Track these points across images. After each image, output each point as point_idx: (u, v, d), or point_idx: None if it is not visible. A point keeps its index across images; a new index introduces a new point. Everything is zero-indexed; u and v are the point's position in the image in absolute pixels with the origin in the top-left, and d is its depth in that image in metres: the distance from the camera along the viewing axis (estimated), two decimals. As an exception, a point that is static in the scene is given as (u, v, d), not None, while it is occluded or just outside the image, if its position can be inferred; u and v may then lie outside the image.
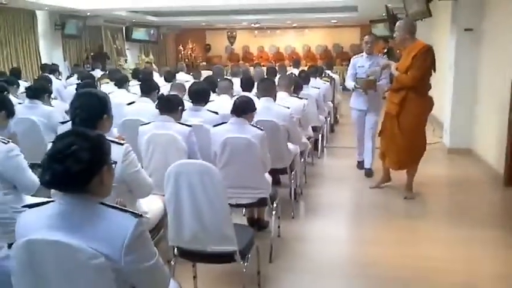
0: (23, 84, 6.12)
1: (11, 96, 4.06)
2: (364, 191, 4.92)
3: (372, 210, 4.36)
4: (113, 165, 1.53)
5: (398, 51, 4.72)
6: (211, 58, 18.91)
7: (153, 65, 13.39)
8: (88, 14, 12.60)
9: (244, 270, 2.54)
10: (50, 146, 1.46)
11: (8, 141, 2.50)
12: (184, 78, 8.05)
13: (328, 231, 3.97)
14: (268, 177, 3.42)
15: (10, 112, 2.76)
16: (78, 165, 1.36)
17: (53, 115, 4.23)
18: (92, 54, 13.64)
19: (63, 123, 3.52)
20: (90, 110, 2.24)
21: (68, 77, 9.46)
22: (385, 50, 11.90)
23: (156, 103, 3.35)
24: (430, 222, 4.06)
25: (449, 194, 5.06)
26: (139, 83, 7.11)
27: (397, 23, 4.44)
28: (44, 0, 10.21)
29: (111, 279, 1.36)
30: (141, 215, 1.44)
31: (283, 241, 3.67)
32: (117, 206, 1.46)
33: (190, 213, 2.34)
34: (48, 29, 12.24)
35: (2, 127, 2.61)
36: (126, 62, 14.53)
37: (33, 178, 2.62)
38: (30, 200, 2.71)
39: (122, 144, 2.21)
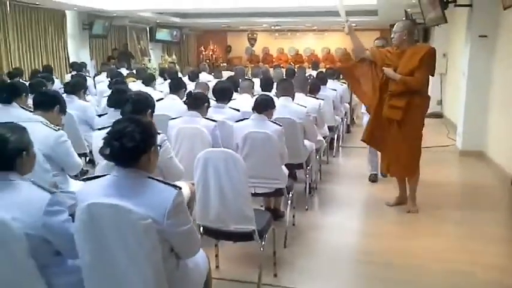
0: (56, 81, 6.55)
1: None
2: (375, 189, 5.16)
3: (382, 206, 4.58)
4: (158, 148, 1.85)
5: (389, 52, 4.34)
6: (232, 59, 19.27)
7: (176, 65, 13.79)
8: (114, 14, 13.05)
9: (262, 249, 2.85)
10: (83, 136, 1.80)
11: (59, 129, 2.86)
12: (206, 78, 8.41)
13: (340, 223, 4.25)
14: (285, 170, 3.71)
15: (62, 108, 3.12)
16: (131, 143, 1.69)
17: (87, 109, 4.59)
18: (117, 53, 14.11)
19: (100, 116, 3.87)
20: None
21: (95, 75, 9.90)
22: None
23: (184, 100, 3.67)
24: (437, 219, 4.28)
25: (459, 194, 5.27)
26: (164, 81, 7.54)
27: (396, 24, 4.29)
28: (73, 0, 10.64)
29: (156, 238, 1.68)
30: (180, 188, 1.76)
31: (297, 229, 3.97)
32: (161, 179, 1.78)
33: (216, 195, 2.66)
34: (76, 28, 12.73)
35: (56, 122, 2.96)
36: (149, 61, 14.97)
37: (78, 161, 3.00)
38: (73, 182, 3.07)
39: (159, 133, 2.54)
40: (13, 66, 9.84)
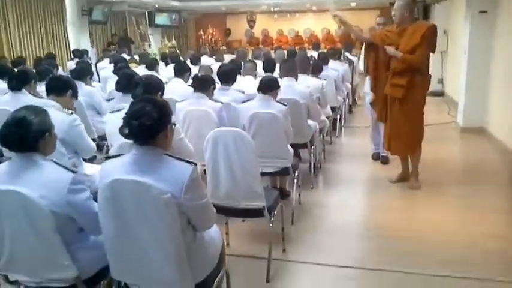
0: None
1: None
2: (378, 167, 5.25)
3: (385, 183, 4.67)
4: (173, 126, 1.94)
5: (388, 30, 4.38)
6: (231, 42, 19.22)
7: (176, 50, 13.79)
8: (113, -1, 13.03)
9: (271, 225, 2.95)
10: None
11: (72, 113, 2.95)
12: (208, 62, 8.44)
13: (344, 200, 4.35)
14: (291, 149, 3.80)
15: (75, 92, 3.20)
16: (149, 121, 1.78)
17: (94, 94, 4.66)
18: (116, 39, 14.11)
19: (108, 100, 3.96)
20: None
21: (97, 61, 9.93)
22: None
23: (191, 82, 3.75)
24: (440, 194, 4.38)
25: (460, 169, 5.37)
26: (166, 66, 7.59)
27: (396, 2, 4.24)
28: (71, -14, 10.62)
29: (175, 211, 1.78)
30: (195, 164, 1.85)
31: (304, 207, 4.08)
32: (178, 156, 1.87)
33: (225, 173, 2.76)
34: (75, 15, 12.69)
35: (68, 106, 3.04)
36: (149, 46, 14.98)
37: (92, 144, 3.10)
38: (86, 165, 3.17)
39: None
40: (14, 54, 9.90)
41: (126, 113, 1.83)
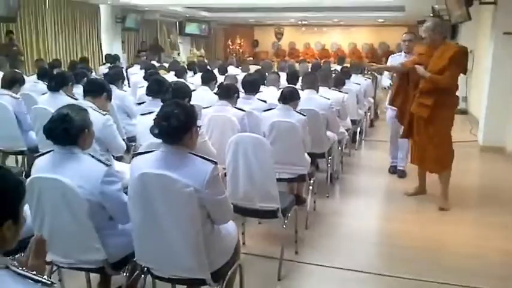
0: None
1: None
2: (395, 180, 5.36)
3: (400, 195, 4.78)
4: (198, 128, 2.15)
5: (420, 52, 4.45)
6: (258, 53, 19.55)
7: (204, 59, 14.15)
8: (146, 8, 13.49)
9: (284, 226, 3.14)
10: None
11: (106, 113, 3.20)
12: (234, 72, 8.70)
13: (359, 209, 4.50)
14: (308, 157, 3.98)
15: (109, 95, 3.47)
16: (177, 122, 2.00)
17: (125, 98, 4.94)
18: (145, 46, 14.56)
19: (139, 104, 4.22)
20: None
21: (128, 67, 10.32)
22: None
23: (217, 90, 3.98)
24: (454, 208, 4.43)
25: (477, 186, 5.44)
26: (193, 74, 7.87)
27: (425, 24, 4.35)
28: (107, -5, 11.08)
29: (196, 204, 1.99)
30: (216, 162, 2.06)
31: (318, 214, 4.24)
32: (201, 155, 2.08)
33: (244, 175, 2.96)
34: (109, 22, 13.22)
35: (103, 107, 3.30)
36: (179, 55, 15.40)
37: (122, 143, 3.35)
38: (115, 163, 3.41)
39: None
40: (50, 57, 10.37)
41: (156, 115, 2.06)
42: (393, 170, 5.55)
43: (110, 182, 2.14)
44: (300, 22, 17.80)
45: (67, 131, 2.14)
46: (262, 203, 3.01)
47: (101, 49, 12.84)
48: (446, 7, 7.86)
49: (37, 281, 1.11)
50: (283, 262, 3.17)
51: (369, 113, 7.98)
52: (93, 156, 2.18)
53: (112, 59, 10.05)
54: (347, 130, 5.79)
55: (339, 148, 5.38)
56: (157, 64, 10.83)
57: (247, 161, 2.93)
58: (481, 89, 7.52)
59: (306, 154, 3.90)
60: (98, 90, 3.36)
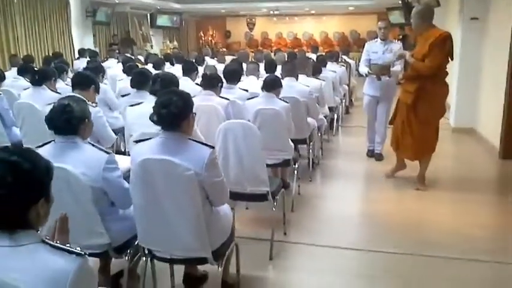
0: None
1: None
2: (373, 163, 5.57)
3: (380, 177, 4.98)
4: (194, 115, 2.25)
5: (413, 39, 4.59)
6: (231, 44, 19.55)
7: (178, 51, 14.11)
8: (116, 1, 13.33)
9: (274, 209, 3.27)
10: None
11: (96, 105, 3.26)
12: (210, 63, 8.76)
13: (340, 192, 4.69)
14: (291, 143, 4.11)
15: (97, 87, 3.51)
16: (176, 109, 2.10)
17: (107, 91, 4.95)
18: (117, 39, 14.42)
19: (123, 96, 4.27)
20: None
21: (103, 61, 10.23)
22: (400, 37, 12.45)
23: (201, 81, 4.07)
24: (430, 187, 4.64)
25: (451, 166, 5.70)
26: (170, 66, 7.90)
27: (414, 9, 4.29)
28: (77, -12, 10.92)
29: (196, 186, 2.09)
30: (213, 147, 2.17)
31: (303, 197, 4.40)
32: (198, 140, 2.18)
33: (234, 161, 3.08)
34: (80, 16, 13.00)
35: (91, 100, 3.35)
36: (151, 47, 15.29)
37: (112, 134, 3.42)
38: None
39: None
40: (21, 53, 10.17)
41: (155, 103, 2.15)
42: (371, 153, 5.73)
43: (111, 169, 2.22)
44: (271, 12, 17.87)
45: (68, 121, 2.21)
46: (252, 187, 3.14)
47: (72, 43, 12.63)
48: (415, -6, 8.11)
49: (70, 252, 1.21)
50: (273, 244, 3.31)
51: (344, 100, 8.18)
52: (93, 145, 2.26)
53: (92, 53, 9.93)
54: (325, 117, 5.96)
55: (319, 134, 5.54)
56: (131, 57, 10.81)
57: (237, 147, 3.05)
58: (451, 73, 7.80)
59: (289, 140, 4.04)
60: (86, 83, 3.41)
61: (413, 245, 3.44)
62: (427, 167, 4.54)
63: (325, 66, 7.07)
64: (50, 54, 9.93)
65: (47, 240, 1.24)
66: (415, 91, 4.17)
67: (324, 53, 9.62)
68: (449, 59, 4.22)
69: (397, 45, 5.31)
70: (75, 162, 2.14)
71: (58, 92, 4.42)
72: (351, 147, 6.50)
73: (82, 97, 2.60)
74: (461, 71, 7.11)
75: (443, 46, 4.06)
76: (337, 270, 3.15)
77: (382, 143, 5.58)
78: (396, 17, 13.34)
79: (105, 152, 2.24)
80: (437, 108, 4.30)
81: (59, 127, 2.22)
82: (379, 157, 5.61)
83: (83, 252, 1.24)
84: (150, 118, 2.13)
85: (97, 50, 13.27)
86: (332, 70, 7.31)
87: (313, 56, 9.17)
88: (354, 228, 3.88)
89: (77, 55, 11.09)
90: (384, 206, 4.24)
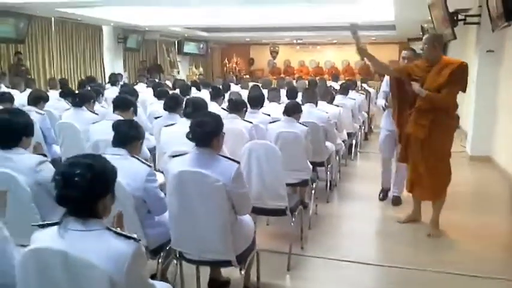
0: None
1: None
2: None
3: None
4: (224, 134, 2.58)
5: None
6: (254, 71, 20.10)
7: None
8: (146, 29, 14.00)
9: (292, 224, 3.55)
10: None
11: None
12: (234, 89, 9.17)
13: (356, 212, 4.94)
14: (310, 164, 4.40)
15: (135, 109, 3.91)
16: (209, 128, 2.43)
17: (141, 114, 5.35)
18: (143, 65, 15.06)
19: (156, 118, 4.64)
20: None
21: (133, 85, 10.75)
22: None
23: (227, 105, 4.42)
24: (445, 211, 4.77)
25: (466, 192, 5.85)
26: (197, 91, 8.33)
27: (425, 36, 4.11)
28: (110, 17, 11.59)
29: (224, 196, 2.40)
30: (239, 162, 2.48)
31: (319, 216, 4.66)
32: (227, 156, 2.50)
33: (257, 178, 3.39)
34: (111, 42, 13.71)
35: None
36: (178, 73, 15.90)
37: (147, 152, 3.78)
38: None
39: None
40: (55, 76, 10.79)
41: (191, 123, 2.49)
42: (383, 195, 5.25)
43: (151, 181, 2.56)
44: (294, 41, 18.41)
45: (126, 138, 2.62)
46: (272, 202, 3.43)
47: (104, 68, 13.32)
48: (433, 26, 8.40)
49: (129, 238, 1.53)
50: (291, 256, 3.57)
51: (363, 127, 8.45)
52: (138, 159, 2.60)
53: (115, 78, 10.42)
54: (343, 142, 6.24)
55: (337, 158, 5.81)
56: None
57: (260, 166, 3.36)
58: (469, 103, 8.03)
59: (308, 161, 4.32)
60: (126, 105, 3.80)
61: (427, 261, 3.64)
62: (440, 209, 4.22)
63: (347, 94, 7.42)
64: (83, 78, 10.54)
65: (111, 228, 1.57)
66: (429, 124, 3.92)
67: (344, 81, 9.95)
68: (463, 91, 3.99)
69: None
70: (122, 173, 2.46)
71: (96, 113, 4.83)
72: (368, 171, 6.71)
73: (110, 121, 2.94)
74: (478, 101, 7.34)
75: (463, 77, 3.89)
76: (351, 282, 3.40)
77: (400, 185, 4.92)
78: (418, 47, 13.55)
79: (147, 165, 2.58)
80: (449, 141, 4.09)
81: (119, 143, 2.61)
82: (396, 201, 5.05)
83: (138, 239, 1.54)
84: (186, 136, 2.47)
85: (126, 74, 13.91)
86: (351, 98, 7.61)
87: (334, 84, 9.52)
88: (368, 244, 4.12)
89: (107, 79, 11.65)
90: (398, 226, 4.42)
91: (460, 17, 7.38)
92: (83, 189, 1.50)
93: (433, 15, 7.78)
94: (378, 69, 4.50)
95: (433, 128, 3.93)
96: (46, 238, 1.55)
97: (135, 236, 1.56)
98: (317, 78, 12.45)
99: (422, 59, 4.12)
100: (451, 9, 7.02)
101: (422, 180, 4.10)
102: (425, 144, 3.99)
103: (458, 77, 3.84)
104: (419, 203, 4.44)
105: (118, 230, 1.60)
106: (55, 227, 1.56)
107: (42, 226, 1.61)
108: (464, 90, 3.97)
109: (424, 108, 3.95)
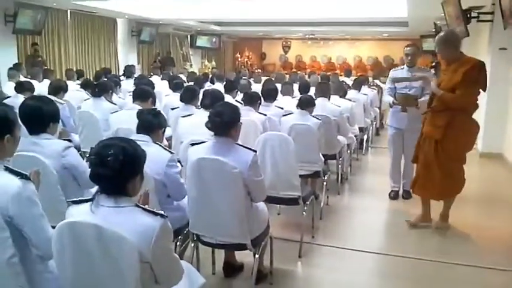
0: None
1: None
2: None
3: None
4: (241, 123, 2.69)
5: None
6: (266, 66, 20.15)
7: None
8: (160, 22, 14.13)
9: (304, 213, 3.66)
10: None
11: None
12: (244, 83, 9.28)
13: (367, 204, 5.03)
14: (322, 157, 4.49)
15: (154, 99, 4.06)
16: (228, 118, 2.55)
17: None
18: (159, 58, 15.21)
19: (173, 109, 4.77)
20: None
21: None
22: (433, 64, 12.68)
23: (242, 97, 4.53)
24: (460, 206, 4.53)
25: (476, 187, 5.88)
26: (211, 84, 8.45)
27: (438, 35, 3.92)
28: (124, 9, 11.71)
29: (241, 182, 2.52)
30: (255, 151, 2.60)
31: (331, 208, 4.77)
32: (243, 144, 2.62)
33: (270, 167, 3.51)
34: (125, 35, 13.86)
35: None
36: (191, 66, 16.04)
37: (165, 141, 3.90)
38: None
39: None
40: (71, 67, 10.97)
41: (210, 113, 2.60)
42: (394, 194, 5.11)
43: (172, 166, 2.69)
44: (306, 36, 18.43)
45: (155, 126, 2.79)
46: (285, 191, 3.55)
47: (118, 60, 13.49)
48: (446, 24, 8.42)
49: (156, 214, 1.65)
50: (302, 244, 3.68)
51: (374, 122, 8.51)
52: (160, 145, 2.73)
53: (130, 71, 10.58)
54: (355, 136, 6.33)
55: (348, 151, 5.90)
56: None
57: (274, 156, 3.48)
58: (481, 100, 8.06)
59: (320, 154, 4.42)
60: (146, 95, 3.94)
61: (435, 252, 3.75)
62: (451, 205, 4.19)
63: (359, 90, 7.49)
64: (98, 70, 10.71)
65: (139, 205, 1.69)
66: (445, 125, 3.78)
67: (356, 77, 10.02)
68: (483, 90, 3.85)
69: (428, 74, 4.66)
70: (145, 158, 2.61)
71: (114, 103, 4.98)
72: (379, 165, 6.79)
73: (130, 111, 3.07)
74: (489, 97, 7.34)
75: (478, 76, 3.70)
76: (359, 270, 3.51)
77: (410, 181, 4.66)
78: (430, 44, 13.53)
79: (169, 151, 2.71)
80: (467, 144, 3.95)
81: (144, 129, 2.75)
82: (407, 195, 5.00)
83: (165, 215, 1.67)
84: (206, 125, 2.59)
85: (139, 67, 14.07)
86: (363, 93, 7.69)
87: (346, 79, 9.59)
88: (378, 235, 4.24)
89: (121, 71, 11.81)
90: (408, 217, 4.48)
91: (473, 14, 7.40)
92: (115, 169, 1.62)
93: (446, 12, 7.81)
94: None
95: (449, 129, 3.77)
96: (80, 213, 1.68)
97: (161, 212, 1.68)
98: (329, 73, 12.50)
99: (440, 61, 4.00)
100: (464, 7, 7.05)
101: (435, 181, 3.93)
102: (439, 145, 3.86)
103: (473, 76, 3.65)
104: (428, 205, 4.27)
105: (146, 207, 1.73)
106: (88, 203, 1.69)
107: (77, 202, 1.74)
108: (484, 89, 3.82)
109: (439, 109, 3.83)
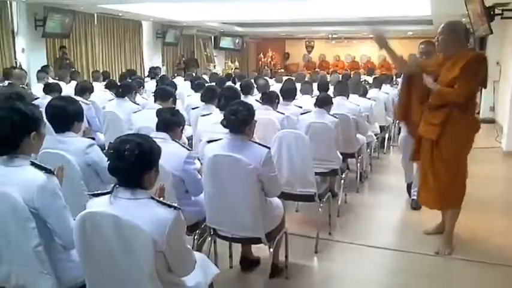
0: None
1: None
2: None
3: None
4: (255, 122, 2.78)
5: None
6: (289, 66, 20.21)
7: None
8: (184, 24, 14.35)
9: (320, 209, 3.72)
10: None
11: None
12: (269, 82, 9.37)
13: (385, 202, 5.05)
14: (339, 155, 4.54)
15: (174, 99, 4.19)
16: (242, 116, 2.64)
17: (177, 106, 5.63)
18: (183, 59, 15.45)
19: (193, 108, 4.90)
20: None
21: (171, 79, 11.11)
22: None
23: (261, 96, 4.62)
24: (477, 205, 4.61)
25: (500, 188, 5.85)
26: (234, 84, 8.57)
27: (442, 24, 3.47)
28: (149, 12, 11.98)
29: (255, 178, 2.61)
30: (269, 148, 2.68)
31: (349, 205, 4.80)
32: (257, 141, 2.70)
33: (287, 165, 3.58)
34: (151, 37, 14.14)
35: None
36: (214, 67, 16.23)
37: (185, 139, 4.03)
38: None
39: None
40: (97, 69, 11.28)
41: (226, 111, 2.70)
42: (415, 204, 4.57)
43: (190, 163, 2.80)
44: (330, 35, 18.39)
45: (171, 123, 2.90)
46: (301, 188, 3.61)
47: (143, 62, 13.78)
48: (470, 21, 8.31)
49: (170, 206, 1.76)
50: (318, 241, 3.74)
51: (396, 121, 8.46)
52: (178, 142, 2.85)
53: (154, 72, 10.80)
54: (376, 135, 6.33)
55: (368, 150, 5.92)
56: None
57: (290, 153, 3.55)
58: (505, 97, 7.94)
59: (338, 151, 4.47)
60: (167, 95, 4.07)
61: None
62: (454, 224, 3.72)
63: (380, 88, 7.48)
64: (123, 71, 10.98)
65: (154, 197, 1.80)
66: (441, 123, 3.44)
67: (378, 76, 9.99)
68: (483, 86, 3.56)
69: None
70: (164, 154, 2.71)
71: (137, 103, 5.13)
72: (399, 164, 6.75)
73: (150, 110, 3.18)
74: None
75: (478, 70, 3.34)
76: (376, 266, 3.56)
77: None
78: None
79: (187, 148, 2.82)
80: (465, 144, 3.56)
81: (162, 129, 2.87)
82: (415, 205, 4.56)
83: (179, 207, 1.77)
84: (221, 123, 2.68)
85: (164, 68, 14.33)
86: (385, 92, 7.67)
87: (368, 78, 9.57)
88: (395, 232, 4.26)
89: (146, 73, 12.07)
90: (427, 216, 4.43)
91: (496, 11, 7.28)
92: (131, 163, 1.73)
93: (469, 9, 7.71)
94: (398, 65, 4.05)
95: (447, 127, 3.44)
96: (100, 204, 1.80)
97: (175, 204, 1.78)
98: (352, 72, 12.48)
99: (438, 52, 3.63)
100: (488, 4, 6.95)
101: (431, 187, 3.59)
102: (436, 146, 3.51)
103: (472, 70, 3.29)
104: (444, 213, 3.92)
105: (161, 199, 1.83)
106: (107, 196, 1.80)
107: (96, 195, 1.86)
108: (484, 86, 3.51)
109: (436, 106, 3.48)
